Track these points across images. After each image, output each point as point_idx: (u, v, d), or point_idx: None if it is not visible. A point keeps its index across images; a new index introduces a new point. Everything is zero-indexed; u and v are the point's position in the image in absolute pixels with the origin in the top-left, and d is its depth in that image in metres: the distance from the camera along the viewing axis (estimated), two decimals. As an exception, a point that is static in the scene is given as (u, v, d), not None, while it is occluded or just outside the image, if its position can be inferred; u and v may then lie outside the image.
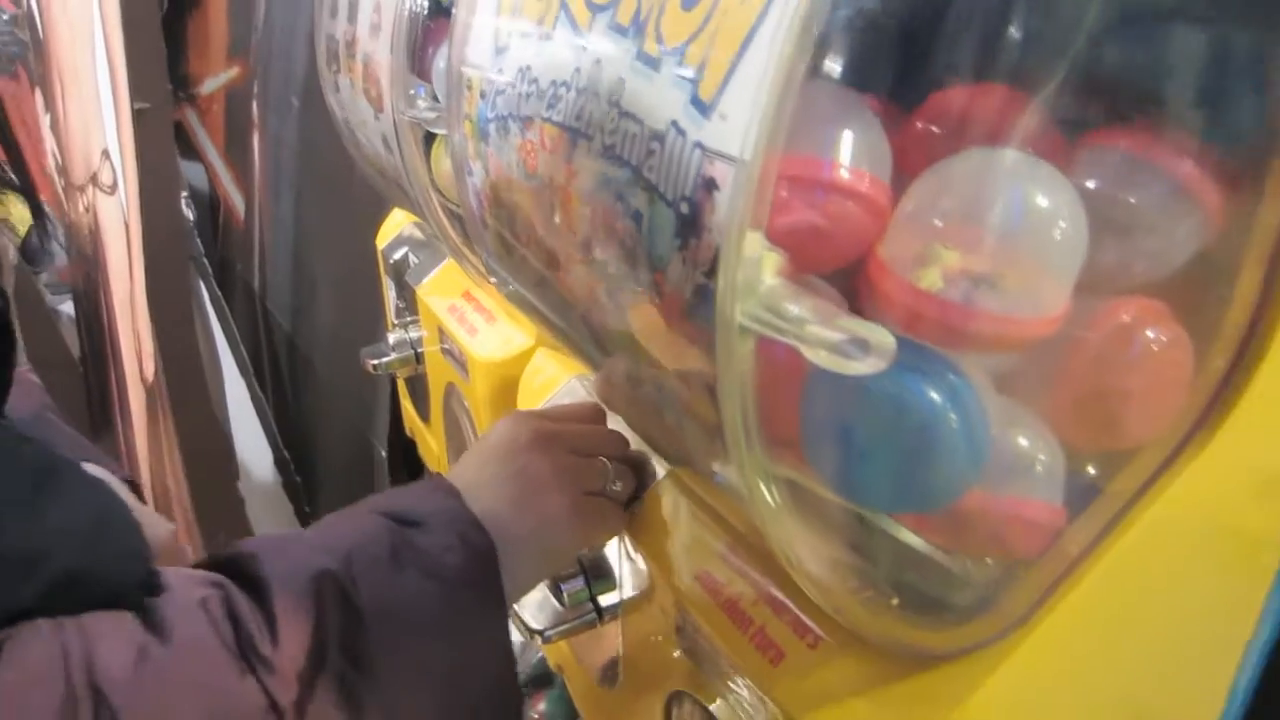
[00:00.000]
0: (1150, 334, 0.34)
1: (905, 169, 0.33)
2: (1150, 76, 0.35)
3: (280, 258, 1.76)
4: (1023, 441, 0.35)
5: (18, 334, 0.51)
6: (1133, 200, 0.35)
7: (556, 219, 0.41)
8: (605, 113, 0.37)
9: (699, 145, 0.31)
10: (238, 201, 1.98)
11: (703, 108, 0.31)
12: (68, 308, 1.81)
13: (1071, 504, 0.36)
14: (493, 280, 0.56)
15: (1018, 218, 0.30)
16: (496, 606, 0.46)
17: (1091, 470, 0.37)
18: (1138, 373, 0.35)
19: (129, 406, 1.39)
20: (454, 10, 0.52)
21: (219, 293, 1.86)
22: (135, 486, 0.68)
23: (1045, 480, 0.35)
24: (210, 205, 2.07)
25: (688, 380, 0.35)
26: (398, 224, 0.94)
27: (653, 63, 0.34)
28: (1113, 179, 0.35)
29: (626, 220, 0.36)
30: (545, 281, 0.46)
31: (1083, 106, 0.35)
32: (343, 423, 1.54)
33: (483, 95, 0.48)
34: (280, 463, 1.82)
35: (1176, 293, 0.36)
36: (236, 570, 0.43)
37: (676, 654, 0.49)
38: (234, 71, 1.98)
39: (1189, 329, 0.36)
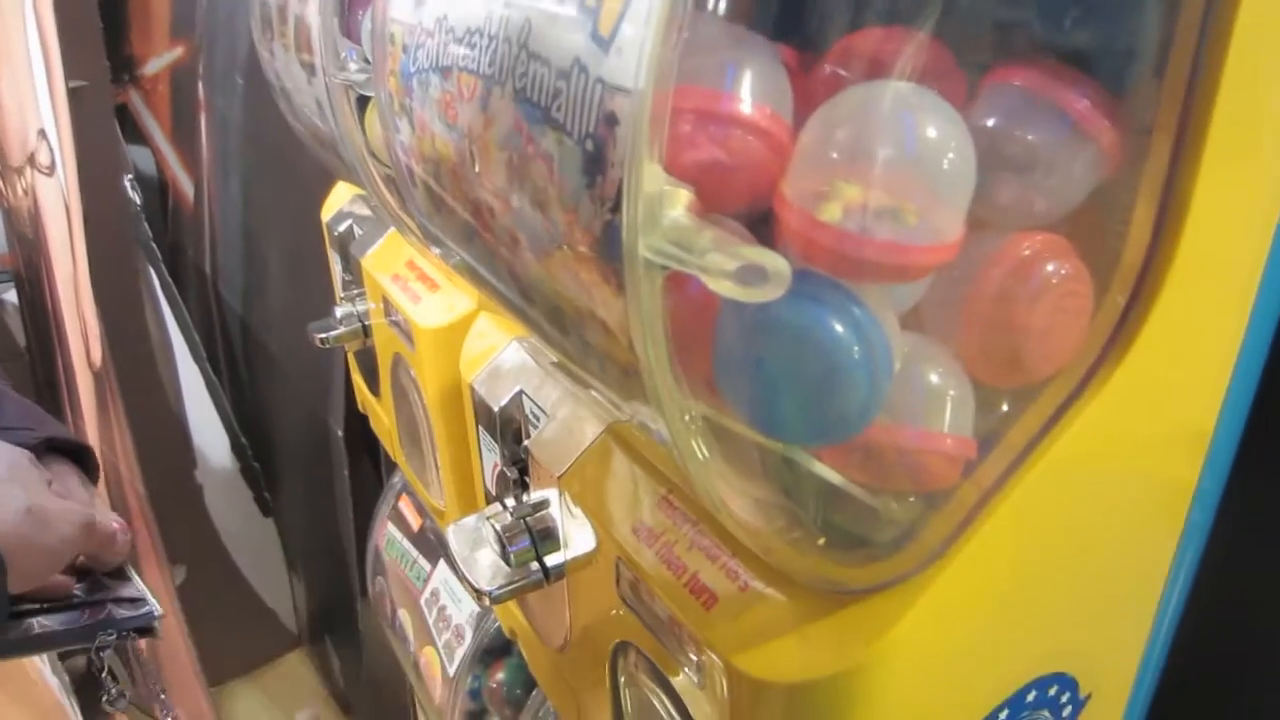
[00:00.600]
0: (1050, 267, 0.35)
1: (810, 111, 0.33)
2: (1044, 14, 0.35)
3: (231, 240, 1.74)
4: (932, 375, 0.36)
5: None
6: (1030, 137, 0.35)
7: (476, 168, 0.41)
8: (515, 55, 0.37)
9: (600, 80, 0.31)
10: (186, 185, 1.95)
11: (602, 43, 0.31)
12: (11, 296, 1.77)
13: (981, 437, 0.37)
14: (426, 242, 0.56)
15: (907, 146, 0.30)
16: None
17: (1000, 404, 0.38)
18: (1040, 306, 0.36)
19: (77, 393, 1.37)
20: (378, -34, 0.51)
21: (169, 278, 1.83)
22: (89, 453, 0.67)
23: (954, 413, 0.36)
24: (159, 189, 2.04)
25: (605, 325, 0.36)
26: (342, 197, 0.93)
27: (557, 1, 0.34)
28: (1012, 116, 0.35)
29: (538, 162, 0.36)
30: (472, 235, 0.46)
31: (981, 45, 0.36)
32: (299, 405, 1.53)
33: (405, 49, 0.48)
34: (237, 448, 1.80)
35: (1076, 229, 0.37)
36: None
37: (618, 608, 0.50)
38: (178, 51, 1.94)
39: (1089, 264, 0.37)
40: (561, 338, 0.41)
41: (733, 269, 0.28)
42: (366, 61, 0.63)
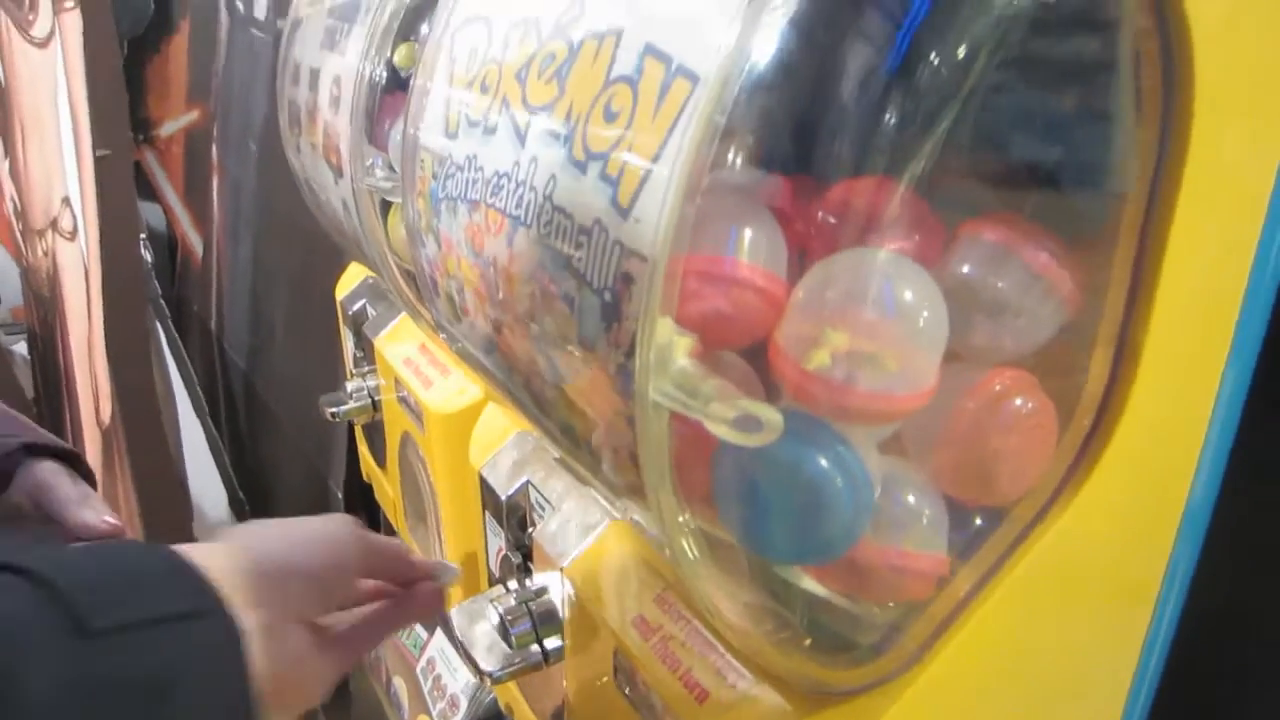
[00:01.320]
0: (1019, 401, 0.39)
1: (812, 254, 0.38)
2: (1007, 174, 0.40)
3: (238, 299, 1.78)
4: (910, 498, 0.40)
5: None
6: (1000, 285, 0.40)
7: (501, 295, 0.45)
8: (541, 205, 0.41)
9: (618, 243, 0.36)
10: (196, 242, 2.00)
11: (621, 211, 0.35)
12: (20, 348, 1.80)
13: (955, 553, 0.40)
14: (443, 337, 0.60)
15: (889, 309, 0.34)
16: None
17: (974, 522, 0.41)
18: (1009, 435, 0.40)
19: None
20: (410, 91, 0.56)
21: (175, 334, 1.86)
22: (79, 460, 0.66)
23: (930, 532, 0.40)
24: (168, 246, 2.09)
25: (614, 446, 0.39)
26: (355, 276, 0.97)
27: (581, 166, 0.38)
28: (983, 265, 0.40)
29: (560, 302, 0.40)
30: (492, 347, 0.50)
31: (957, 196, 0.41)
32: (299, 465, 1.55)
33: (434, 176, 0.52)
34: (235, 504, 1.82)
35: (1042, 364, 0.41)
36: None
37: (615, 696, 0.53)
38: (193, 114, 2.00)
39: (1054, 395, 0.41)
40: (573, 449, 0.45)
41: (731, 418, 0.32)
42: (391, 169, 0.68)
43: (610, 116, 0.37)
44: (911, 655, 0.42)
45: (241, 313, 1.77)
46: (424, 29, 0.67)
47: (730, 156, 0.35)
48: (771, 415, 0.31)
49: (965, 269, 0.40)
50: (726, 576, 0.41)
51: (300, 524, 0.47)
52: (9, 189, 1.66)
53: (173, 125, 2.06)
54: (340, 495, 1.36)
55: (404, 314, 0.86)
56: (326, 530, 0.47)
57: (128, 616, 0.35)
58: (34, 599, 0.34)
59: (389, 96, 0.70)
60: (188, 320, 2.00)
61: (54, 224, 1.37)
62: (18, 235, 1.66)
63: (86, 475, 0.67)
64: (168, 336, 1.83)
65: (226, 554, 0.41)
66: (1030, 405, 0.40)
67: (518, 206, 0.43)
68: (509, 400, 0.53)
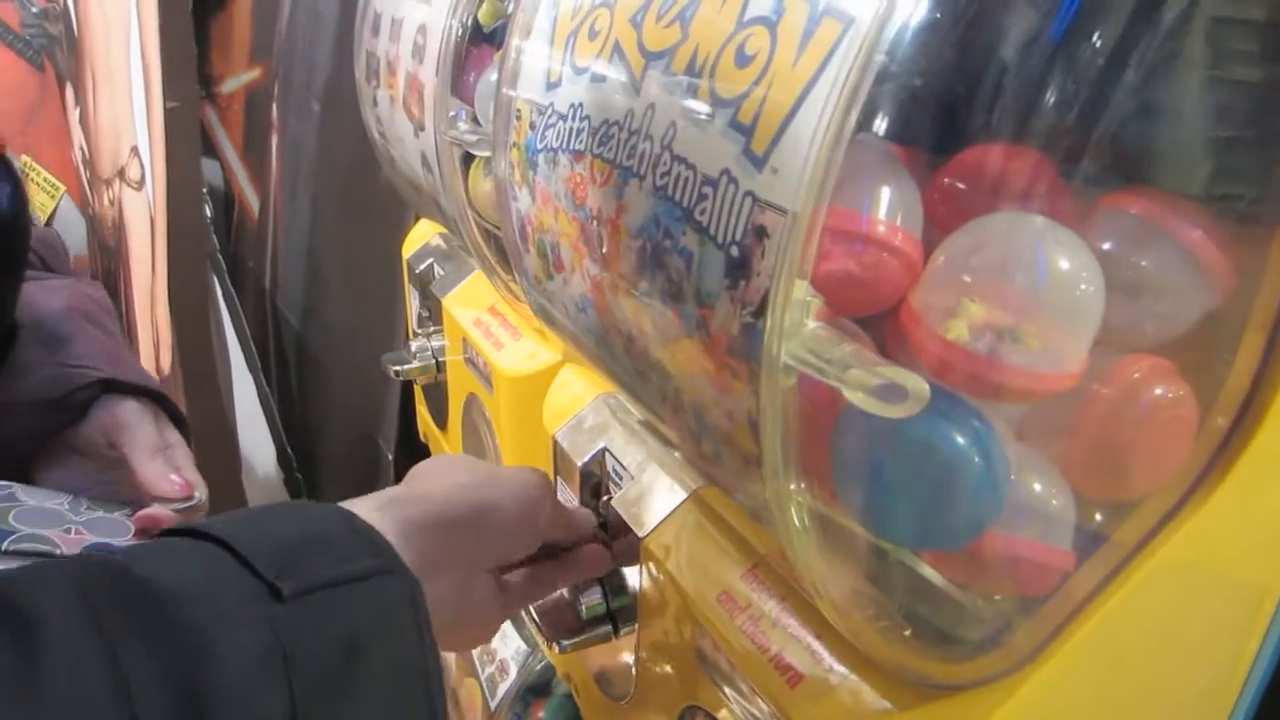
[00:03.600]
0: (1158, 391, 0.37)
1: (936, 222, 0.35)
2: (1163, 146, 0.37)
3: (294, 257, 1.79)
4: (1037, 487, 0.37)
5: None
6: (1144, 263, 0.37)
7: (604, 249, 0.43)
8: (657, 154, 0.39)
9: (750, 194, 0.33)
10: (252, 200, 2.01)
11: (755, 160, 0.33)
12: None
13: (1080, 548, 0.38)
14: (527, 298, 0.58)
15: (1041, 278, 0.32)
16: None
17: (1100, 517, 0.39)
18: (1146, 427, 0.37)
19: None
20: (506, 40, 0.54)
21: (232, 289, 1.88)
22: (165, 398, 0.66)
23: (1057, 525, 0.37)
24: (225, 202, 2.10)
25: (728, 410, 0.37)
26: (423, 234, 0.96)
27: (706, 113, 0.36)
28: (1126, 241, 0.37)
29: (675, 256, 0.38)
30: (587, 307, 0.48)
31: (1102, 169, 0.38)
32: (349, 423, 1.56)
33: (532, 126, 0.50)
34: (283, 459, 1.83)
35: (1184, 352, 0.38)
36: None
37: (693, 671, 0.51)
38: (255, 73, 2.00)
39: (1194, 386, 0.38)
40: (674, 416, 0.43)
41: (874, 385, 0.29)
42: (475, 122, 0.66)
43: (743, 60, 0.35)
44: (1025, 654, 0.39)
45: (297, 271, 1.77)
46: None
47: (877, 109, 0.32)
48: (918, 384, 0.29)
49: (1106, 245, 0.37)
50: (829, 555, 0.39)
51: (500, 475, 0.49)
52: (78, 137, 1.68)
53: (234, 83, 2.06)
54: (390, 456, 1.36)
55: (473, 274, 0.84)
56: (525, 488, 0.49)
57: (316, 579, 0.36)
58: (229, 565, 0.35)
59: (474, 48, 0.68)
60: (241, 276, 2.01)
61: (121, 173, 1.38)
62: (85, 183, 1.67)
63: (175, 416, 0.67)
64: (223, 291, 1.85)
65: (404, 506, 0.44)
66: (1171, 395, 0.37)
67: (630, 156, 0.41)
68: (600, 362, 0.51)
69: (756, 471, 0.37)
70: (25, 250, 0.58)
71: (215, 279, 1.82)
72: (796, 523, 0.36)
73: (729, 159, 0.34)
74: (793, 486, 0.35)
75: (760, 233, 0.33)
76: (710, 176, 0.35)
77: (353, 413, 1.53)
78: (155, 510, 0.62)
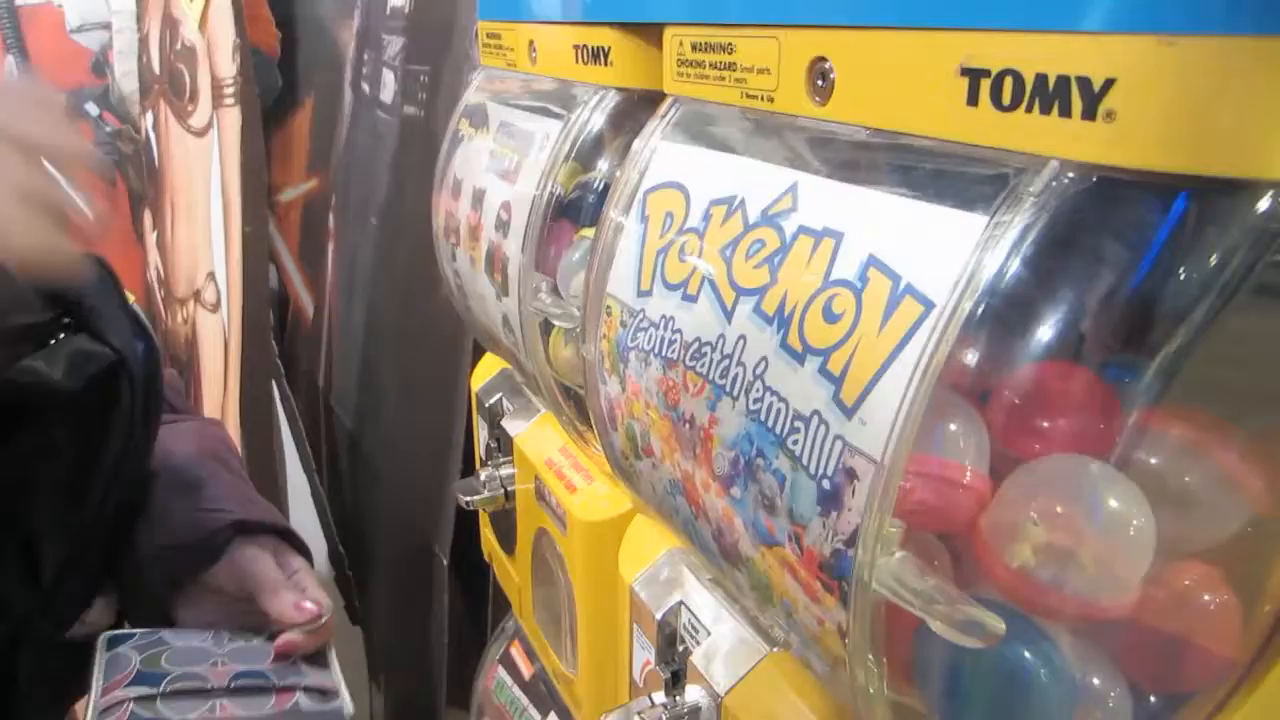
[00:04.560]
0: (1206, 597, 0.41)
1: (998, 433, 0.40)
2: (1208, 374, 0.42)
3: (349, 361, 1.87)
4: (1094, 680, 0.41)
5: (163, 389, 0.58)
6: (1186, 479, 0.42)
7: (697, 451, 0.49)
8: (750, 381, 0.45)
9: (840, 438, 0.39)
10: (307, 302, 2.10)
11: (845, 409, 0.39)
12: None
13: (1138, 736, 0.42)
14: (611, 469, 0.63)
15: (1095, 517, 0.37)
16: None
17: (1156, 706, 0.43)
18: (1194, 628, 0.41)
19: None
20: (597, 232, 0.61)
21: (289, 390, 1.96)
22: (292, 533, 0.72)
23: (1115, 717, 0.41)
24: (280, 304, 2.20)
25: (817, 616, 0.42)
26: (491, 368, 1.02)
27: (797, 356, 0.42)
28: (1170, 459, 0.42)
29: (768, 474, 0.43)
30: (677, 490, 0.53)
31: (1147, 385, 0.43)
32: (402, 527, 1.61)
33: (623, 324, 0.57)
34: (335, 557, 1.89)
35: (1225, 554, 0.42)
36: None
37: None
38: (312, 183, 2.12)
39: (1236, 585, 0.42)
40: (761, 606, 0.48)
41: (958, 621, 0.34)
42: (556, 293, 0.73)
43: (831, 317, 0.41)
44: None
45: (351, 374, 1.85)
46: (601, 163, 0.73)
47: (956, 369, 0.38)
48: (995, 623, 0.34)
49: (1153, 460, 0.42)
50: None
51: None
52: (154, 258, 1.79)
53: (292, 192, 2.19)
54: (445, 562, 1.41)
55: (541, 414, 0.90)
56: None
57: None
58: None
59: (554, 224, 0.75)
60: (295, 377, 2.10)
61: (196, 295, 1.48)
62: (158, 301, 1.78)
63: (299, 547, 0.73)
64: (281, 394, 1.93)
65: None
66: (1218, 601, 0.42)
67: (722, 377, 0.47)
68: (685, 537, 0.56)
69: (842, 669, 0.41)
70: (161, 404, 0.64)
71: (273, 381, 1.90)
72: (878, 713, 0.41)
73: (819, 402, 0.40)
74: (876, 684, 0.40)
75: (851, 474, 0.38)
76: (801, 413, 0.41)
77: (406, 516, 1.59)
78: (291, 636, 0.67)
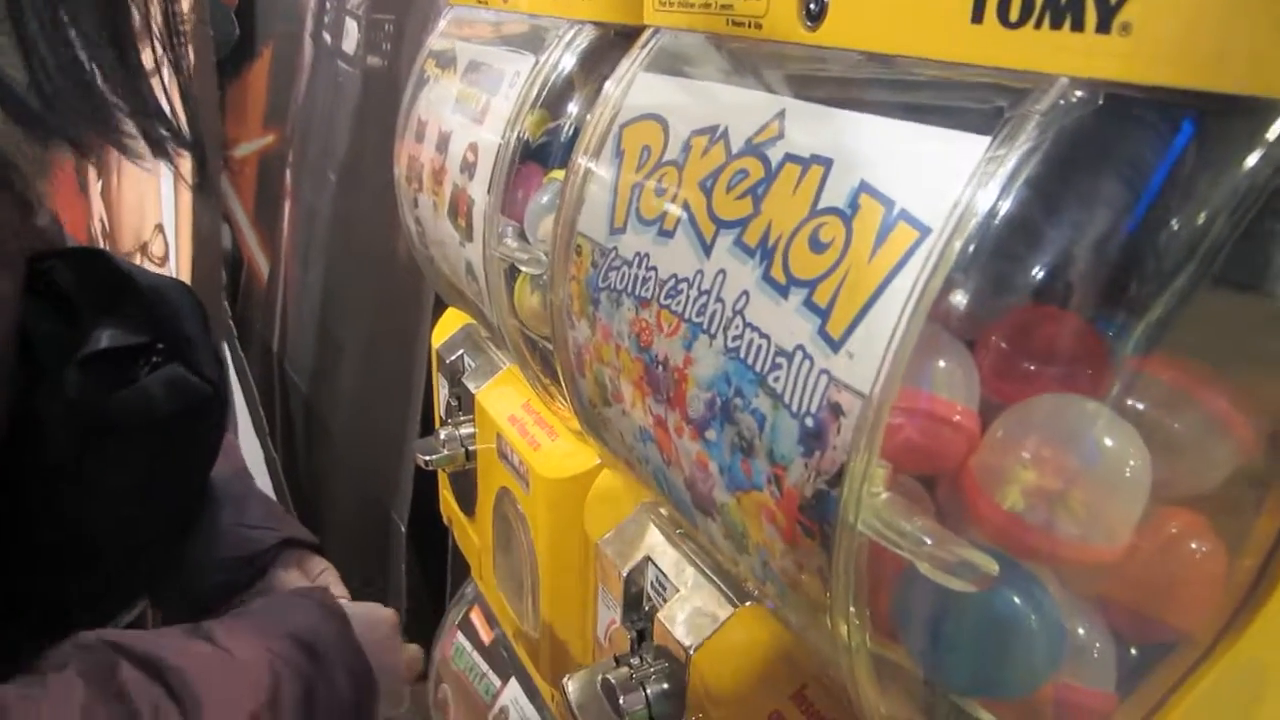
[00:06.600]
0: (1193, 545, 0.40)
1: (987, 381, 0.39)
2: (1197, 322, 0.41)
3: (304, 323, 1.81)
4: (1080, 630, 0.40)
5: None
6: (1176, 426, 0.40)
7: (670, 394, 0.47)
8: (729, 317, 0.42)
9: (826, 373, 0.37)
10: (262, 264, 2.04)
11: (831, 342, 0.37)
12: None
13: (1120, 688, 0.41)
14: (577, 419, 0.61)
15: (1092, 458, 0.35)
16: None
17: (1135, 657, 0.42)
18: (1180, 576, 0.40)
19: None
20: (568, 174, 0.58)
21: (241, 352, 1.90)
22: (320, 549, 0.77)
23: (1100, 667, 0.40)
24: (233, 264, 2.13)
25: (797, 560, 0.40)
26: (452, 325, 0.99)
27: (780, 289, 0.40)
28: (1159, 406, 0.41)
29: (746, 414, 0.41)
30: (647, 438, 0.51)
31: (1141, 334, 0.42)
32: (358, 491, 1.57)
33: (594, 264, 0.54)
34: (287, 525, 1.84)
35: (1213, 501, 0.41)
36: (165, 683, 0.48)
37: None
38: (269, 139, 2.05)
39: (1223, 532, 0.41)
40: (736, 554, 0.46)
41: (949, 563, 0.32)
42: (522, 238, 0.69)
43: (818, 247, 0.38)
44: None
45: (307, 338, 1.80)
46: (571, 107, 0.70)
47: (947, 305, 0.36)
48: (988, 563, 0.32)
49: (1141, 406, 0.41)
50: (888, 689, 0.42)
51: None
52: (98, 209, 1.71)
53: (247, 147, 2.11)
54: (404, 527, 1.37)
55: (504, 370, 0.87)
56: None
57: None
58: None
59: (521, 166, 0.72)
60: (247, 340, 2.03)
61: (143, 248, 1.41)
62: (104, 252, 1.70)
63: (317, 549, 0.77)
64: (232, 355, 1.87)
65: None
66: (1204, 549, 0.40)
67: (699, 315, 0.44)
68: (655, 487, 0.54)
69: (822, 615, 0.39)
70: (226, 429, 0.67)
71: (225, 344, 1.84)
72: (860, 664, 0.39)
73: (803, 336, 0.38)
74: (862, 635, 0.38)
75: (836, 410, 0.36)
76: (784, 349, 0.39)
77: (362, 483, 1.54)
78: None
